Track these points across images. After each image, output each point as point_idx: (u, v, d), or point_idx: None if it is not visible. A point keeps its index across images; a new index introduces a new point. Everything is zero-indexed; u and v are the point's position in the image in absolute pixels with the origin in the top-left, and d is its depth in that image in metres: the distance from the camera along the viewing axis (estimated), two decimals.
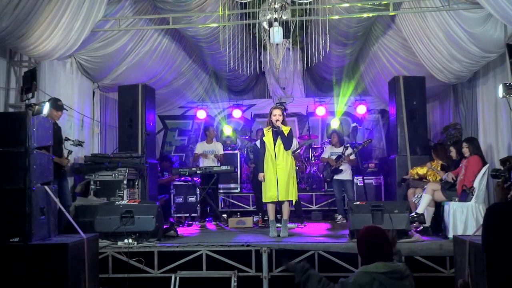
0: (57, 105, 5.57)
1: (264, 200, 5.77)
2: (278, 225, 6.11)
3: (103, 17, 6.07)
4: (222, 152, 8.02)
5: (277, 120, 5.63)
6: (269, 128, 5.73)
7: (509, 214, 2.28)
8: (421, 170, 6.32)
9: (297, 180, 6.00)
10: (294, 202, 5.90)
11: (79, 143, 5.98)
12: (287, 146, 5.62)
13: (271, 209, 5.74)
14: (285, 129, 5.66)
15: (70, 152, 5.78)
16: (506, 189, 2.51)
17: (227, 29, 7.51)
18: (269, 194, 5.60)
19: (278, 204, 6.09)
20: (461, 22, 5.67)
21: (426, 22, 6.22)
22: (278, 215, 6.46)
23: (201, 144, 8.14)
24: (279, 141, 5.64)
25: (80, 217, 5.35)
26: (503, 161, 2.54)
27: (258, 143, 7.13)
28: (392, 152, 7.45)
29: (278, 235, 5.58)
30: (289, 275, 4.78)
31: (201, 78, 10.43)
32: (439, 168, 6.22)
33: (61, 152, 5.64)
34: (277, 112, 5.69)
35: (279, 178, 5.54)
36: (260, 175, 5.70)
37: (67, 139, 5.87)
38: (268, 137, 5.71)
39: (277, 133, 5.66)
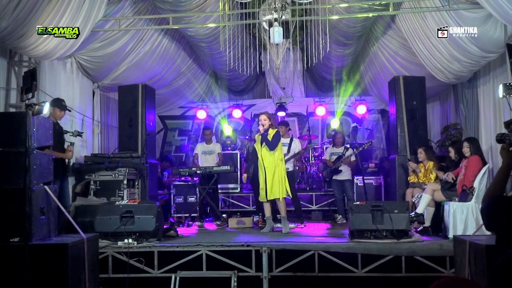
0: (61, 104, 5.62)
1: (260, 199, 6.17)
2: (278, 225, 6.14)
3: (103, 17, 6.07)
4: (220, 151, 8.06)
5: (262, 125, 5.99)
6: (259, 134, 6.12)
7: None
8: (414, 178, 6.33)
9: (296, 180, 6.16)
10: (284, 197, 6.09)
11: (78, 134, 5.99)
12: (270, 147, 5.95)
13: (266, 208, 6.12)
14: (271, 132, 5.98)
15: (72, 144, 5.81)
16: (511, 152, 2.50)
17: (227, 29, 7.51)
18: (261, 194, 6.02)
19: (277, 204, 6.14)
20: (461, 22, 5.67)
21: (426, 22, 6.22)
22: (278, 215, 6.48)
23: (201, 145, 8.16)
24: (264, 145, 5.99)
25: (80, 217, 5.35)
26: (507, 124, 2.53)
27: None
28: (392, 152, 7.45)
29: (274, 232, 5.86)
30: (289, 275, 4.80)
31: (201, 78, 10.43)
32: (430, 167, 6.21)
33: (63, 151, 5.67)
34: (261, 117, 6.09)
35: (267, 179, 5.92)
36: (244, 175, 6.47)
37: (65, 131, 5.89)
38: (257, 142, 6.14)
39: (262, 137, 6.00)
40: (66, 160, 5.86)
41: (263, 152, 5.99)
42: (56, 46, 5.70)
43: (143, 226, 5.02)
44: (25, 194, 3.73)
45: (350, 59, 9.31)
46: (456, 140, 6.99)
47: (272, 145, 5.92)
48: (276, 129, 6.07)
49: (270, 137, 5.93)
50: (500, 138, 2.58)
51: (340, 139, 7.90)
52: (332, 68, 9.78)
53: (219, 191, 8.39)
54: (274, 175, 5.89)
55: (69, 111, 6.03)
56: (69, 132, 5.89)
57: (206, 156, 7.99)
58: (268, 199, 5.94)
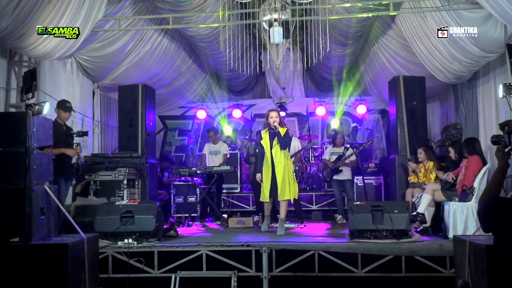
0: (65, 106, 5.66)
1: (260, 199, 5.98)
2: (275, 224, 6.12)
3: (103, 17, 6.07)
4: (226, 152, 8.03)
5: (274, 122, 5.78)
6: (266, 131, 5.90)
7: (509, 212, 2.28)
8: (414, 178, 6.33)
9: (296, 180, 6.09)
10: (293, 201, 6.04)
11: (83, 134, 6.01)
12: (283, 146, 5.77)
13: (266, 206, 5.99)
14: (282, 130, 5.79)
15: (78, 144, 5.85)
16: (506, 154, 2.51)
17: (227, 29, 7.51)
18: (263, 193, 5.84)
19: (278, 204, 6.12)
20: (461, 22, 5.67)
21: (426, 22, 6.22)
22: (277, 215, 6.48)
23: (208, 145, 8.15)
24: (275, 143, 5.79)
25: (80, 217, 5.35)
26: (502, 125, 2.52)
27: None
28: (392, 152, 7.45)
29: (273, 232, 5.79)
30: (289, 275, 4.80)
31: (201, 78, 10.43)
32: (430, 167, 6.22)
33: (71, 147, 5.74)
34: (273, 114, 5.86)
35: (278, 179, 5.72)
36: (258, 175, 5.92)
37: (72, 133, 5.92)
38: (265, 139, 5.88)
39: (273, 134, 5.83)
40: (73, 160, 5.89)
41: (274, 150, 5.77)
42: (56, 46, 5.70)
43: (143, 226, 5.02)
44: (25, 194, 3.72)
45: (350, 59, 9.31)
46: (456, 140, 6.99)
47: (285, 143, 5.76)
48: (286, 128, 5.89)
49: (282, 135, 5.75)
50: (495, 140, 2.58)
51: (340, 139, 7.89)
52: (332, 68, 9.79)
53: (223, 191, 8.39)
54: (284, 175, 5.71)
55: (74, 111, 6.05)
56: (73, 133, 5.91)
57: (213, 156, 7.98)
58: (279, 199, 5.75)
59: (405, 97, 7.00)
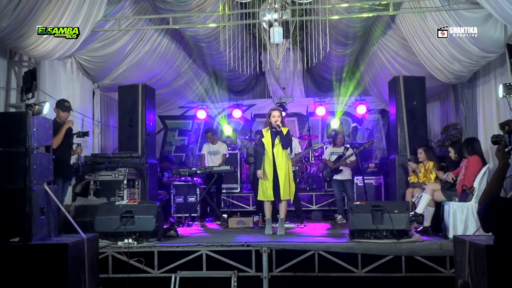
0: (63, 106, 5.65)
1: (259, 198, 5.94)
2: (275, 225, 6.11)
3: (103, 17, 6.07)
4: (225, 152, 8.03)
5: (276, 121, 5.76)
6: (268, 129, 5.87)
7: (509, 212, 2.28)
8: (414, 178, 6.33)
9: (296, 180, 6.09)
10: (292, 201, 6.01)
11: (83, 134, 6.01)
12: (285, 145, 5.76)
13: (267, 208, 5.92)
14: (284, 130, 5.79)
15: (78, 144, 5.86)
16: (506, 153, 2.51)
17: (227, 29, 7.51)
18: (267, 193, 5.78)
19: (278, 204, 6.11)
20: (461, 22, 5.67)
21: (426, 22, 6.22)
22: (277, 215, 6.47)
23: (207, 146, 8.15)
24: (277, 141, 5.77)
25: (80, 217, 5.35)
26: (502, 125, 2.53)
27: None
28: (392, 152, 7.46)
29: (274, 233, 5.78)
30: (289, 275, 4.80)
31: (201, 78, 10.44)
32: (430, 167, 6.22)
33: (70, 152, 5.76)
34: (276, 114, 5.83)
35: (280, 178, 5.70)
36: (259, 172, 5.85)
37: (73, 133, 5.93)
38: (266, 138, 5.85)
39: (275, 133, 5.80)
40: (73, 159, 5.88)
41: (276, 150, 5.75)
42: (56, 46, 5.70)
43: (143, 226, 5.02)
44: (25, 194, 3.72)
45: (350, 59, 9.32)
46: (456, 140, 6.99)
47: (287, 143, 5.75)
48: (288, 128, 5.89)
49: (284, 134, 5.74)
50: (495, 140, 2.59)
51: (341, 139, 7.89)
52: (332, 68, 9.79)
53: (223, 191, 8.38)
54: (285, 175, 5.71)
55: (73, 111, 6.05)
56: (74, 133, 5.91)
57: (212, 156, 7.98)
58: (282, 199, 5.75)
59: (405, 97, 7.01)
